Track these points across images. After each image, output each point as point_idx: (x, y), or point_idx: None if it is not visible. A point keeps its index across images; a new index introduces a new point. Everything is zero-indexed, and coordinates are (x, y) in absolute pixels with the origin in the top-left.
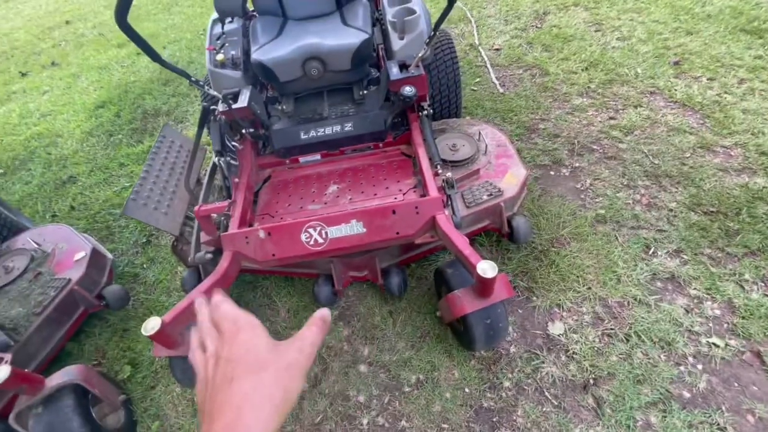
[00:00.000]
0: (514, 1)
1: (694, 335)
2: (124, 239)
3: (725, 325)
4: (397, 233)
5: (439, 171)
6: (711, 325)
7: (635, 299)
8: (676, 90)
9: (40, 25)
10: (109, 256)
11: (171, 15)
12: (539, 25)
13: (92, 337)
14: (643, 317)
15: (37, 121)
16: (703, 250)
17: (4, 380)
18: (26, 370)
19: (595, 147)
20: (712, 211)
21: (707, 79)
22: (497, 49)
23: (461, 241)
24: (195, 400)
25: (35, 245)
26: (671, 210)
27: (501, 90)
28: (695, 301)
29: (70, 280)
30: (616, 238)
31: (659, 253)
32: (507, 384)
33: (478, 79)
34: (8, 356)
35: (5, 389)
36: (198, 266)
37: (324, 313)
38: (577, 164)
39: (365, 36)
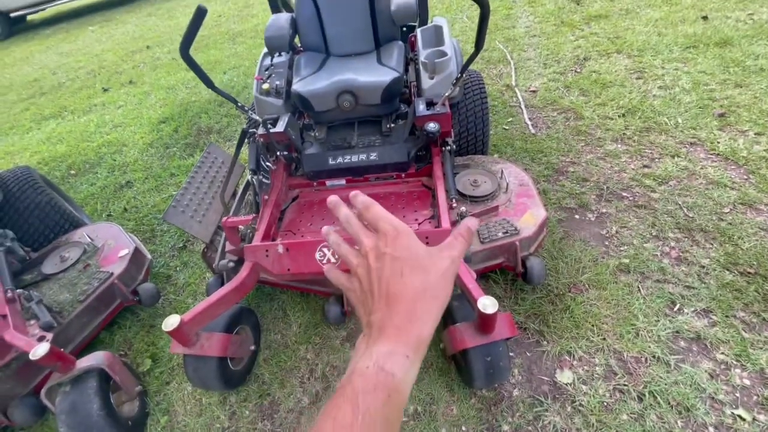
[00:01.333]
0: (555, 46)
1: (718, 404)
2: (164, 242)
3: (755, 398)
4: None
5: (454, 204)
6: (738, 395)
7: (654, 356)
8: (719, 142)
9: (125, 49)
10: (148, 256)
11: (235, 45)
12: (578, 70)
13: (123, 329)
14: (661, 377)
15: (109, 131)
16: (735, 313)
17: (42, 356)
18: (63, 350)
19: (625, 194)
20: (749, 272)
21: (755, 134)
22: (533, 91)
23: (466, 275)
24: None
25: (89, 239)
26: (703, 266)
27: (533, 131)
28: (722, 366)
29: (112, 274)
30: (639, 289)
31: (685, 310)
32: (506, 428)
33: (511, 119)
34: (50, 336)
35: (42, 364)
36: (222, 273)
37: (470, 223)
38: (604, 210)
39: (396, 75)
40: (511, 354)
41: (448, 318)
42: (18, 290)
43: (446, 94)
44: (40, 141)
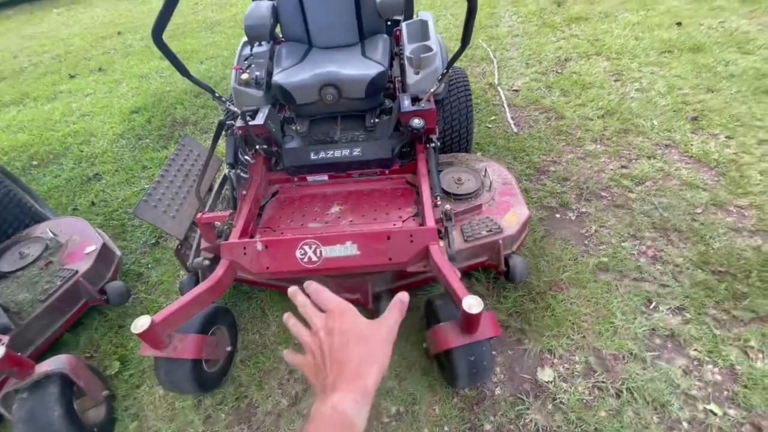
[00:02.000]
0: (538, 46)
1: (691, 399)
2: (135, 238)
3: (725, 393)
4: (390, 259)
5: (438, 202)
6: (710, 390)
7: (631, 354)
8: (692, 145)
9: (94, 34)
10: (118, 252)
11: (213, 34)
12: (560, 71)
13: (89, 330)
14: (637, 373)
15: (76, 120)
16: (707, 311)
17: None
18: (21, 354)
19: (604, 194)
20: (720, 271)
21: (725, 137)
22: (516, 90)
23: (451, 274)
24: (300, 371)
25: (51, 235)
26: (677, 265)
27: (515, 129)
28: (695, 363)
29: (77, 271)
30: (617, 288)
31: (661, 308)
32: (488, 427)
33: (493, 117)
34: (6, 338)
35: None
36: (197, 272)
37: (402, 296)
38: (584, 209)
39: (381, 69)
40: (493, 353)
41: (431, 317)
42: None
43: (431, 90)
44: None
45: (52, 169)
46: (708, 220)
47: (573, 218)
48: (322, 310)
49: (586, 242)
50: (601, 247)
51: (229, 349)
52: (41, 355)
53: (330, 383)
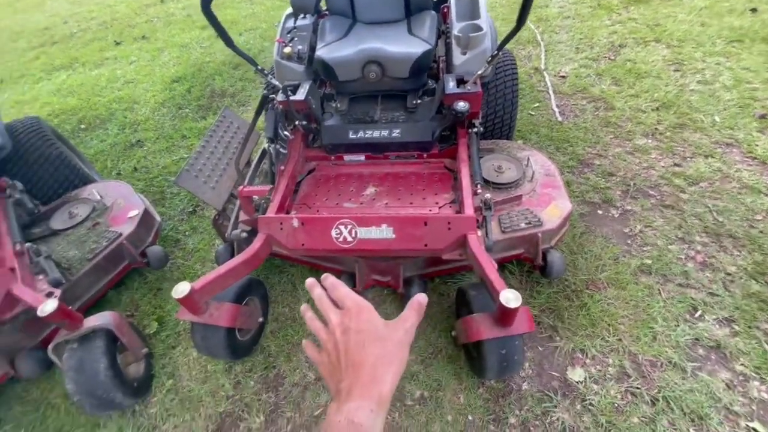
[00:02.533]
0: (590, 30)
1: (733, 415)
2: (174, 205)
3: None
4: (426, 245)
5: (479, 190)
6: (755, 408)
7: (670, 362)
8: (757, 145)
9: (138, 1)
10: (158, 218)
11: (252, 5)
12: (612, 57)
13: (130, 290)
14: (675, 383)
15: (121, 86)
16: (759, 324)
17: (50, 312)
18: (71, 308)
19: (652, 192)
20: None
21: None
22: (563, 77)
23: (489, 266)
24: (316, 365)
25: (98, 197)
26: (729, 274)
27: (560, 118)
28: (740, 378)
29: (121, 234)
30: (660, 292)
31: (707, 317)
32: (512, 420)
33: (537, 104)
34: (58, 292)
35: (50, 320)
36: (232, 242)
37: (421, 298)
38: (628, 207)
39: (427, 47)
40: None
41: (464, 307)
42: (27, 244)
43: (479, 72)
44: (50, 92)
45: (98, 133)
46: None
47: (616, 216)
48: (339, 306)
49: (629, 242)
50: (645, 249)
51: (260, 320)
52: (87, 311)
53: (345, 388)
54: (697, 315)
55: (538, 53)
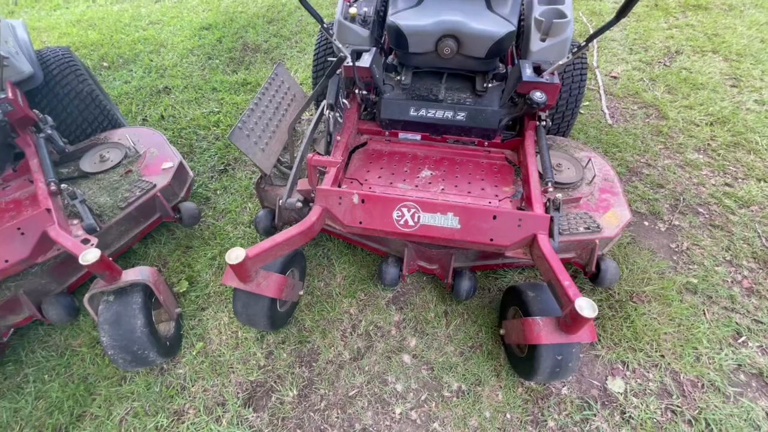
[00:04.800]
0: (645, 31)
1: None
2: (203, 161)
3: None
4: (491, 240)
5: (550, 189)
6: None
7: (712, 384)
8: None
9: None
10: (191, 173)
11: None
12: (668, 63)
13: (158, 245)
14: (717, 406)
15: (145, 26)
16: None
17: (93, 262)
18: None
19: (701, 210)
20: None
21: None
22: (614, 77)
23: (561, 269)
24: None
25: (131, 143)
26: None
27: (609, 121)
28: None
29: (155, 185)
30: (704, 313)
31: (750, 344)
32: (551, 424)
33: (587, 103)
34: (95, 240)
35: (90, 270)
36: (273, 209)
37: None
38: (676, 222)
39: (511, 28)
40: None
41: (516, 306)
42: (62, 185)
43: (560, 62)
44: (69, 22)
45: (122, 73)
46: None
47: (663, 230)
48: None
49: (675, 258)
50: (691, 267)
51: (301, 293)
52: (115, 261)
53: None
54: (740, 341)
55: (590, 50)
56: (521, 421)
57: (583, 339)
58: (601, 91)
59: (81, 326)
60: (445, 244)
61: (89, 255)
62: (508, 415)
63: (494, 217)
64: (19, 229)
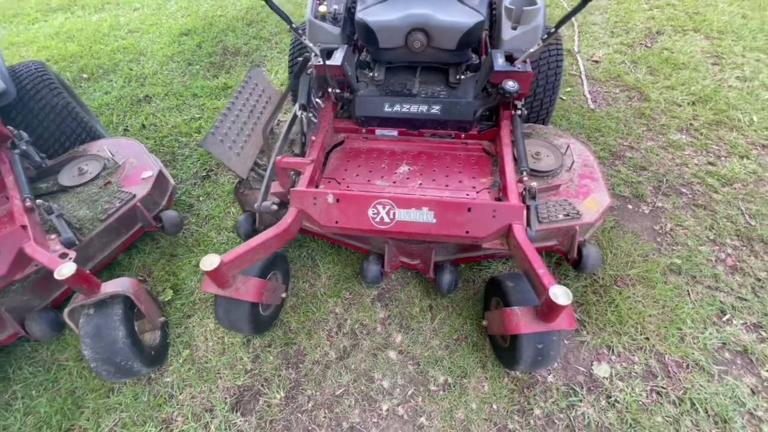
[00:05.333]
0: (626, 13)
1: (756, 420)
2: (186, 168)
3: None
4: (467, 232)
5: (525, 178)
6: None
7: (697, 364)
8: None
9: None
10: (172, 181)
11: None
12: (649, 45)
13: (142, 254)
14: (701, 385)
15: (125, 35)
16: None
17: (69, 276)
18: (89, 272)
19: (684, 190)
20: None
21: None
22: (596, 61)
23: (536, 258)
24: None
25: (110, 154)
26: (759, 279)
27: (592, 106)
28: (765, 383)
29: (134, 195)
30: (689, 293)
31: (735, 322)
32: (537, 412)
33: (569, 89)
34: (73, 254)
35: (67, 284)
36: (253, 213)
37: None
38: (660, 204)
39: (480, 18)
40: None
41: (497, 297)
42: (37, 200)
43: (531, 50)
44: (48, 35)
45: (101, 84)
46: None
47: (647, 212)
48: None
49: (659, 239)
50: (675, 248)
51: (283, 295)
52: (98, 274)
53: None
54: (725, 319)
55: (571, 34)
56: (507, 411)
57: (562, 326)
58: (583, 76)
59: (67, 340)
60: (422, 239)
61: (65, 269)
62: (494, 406)
63: (468, 210)
64: None
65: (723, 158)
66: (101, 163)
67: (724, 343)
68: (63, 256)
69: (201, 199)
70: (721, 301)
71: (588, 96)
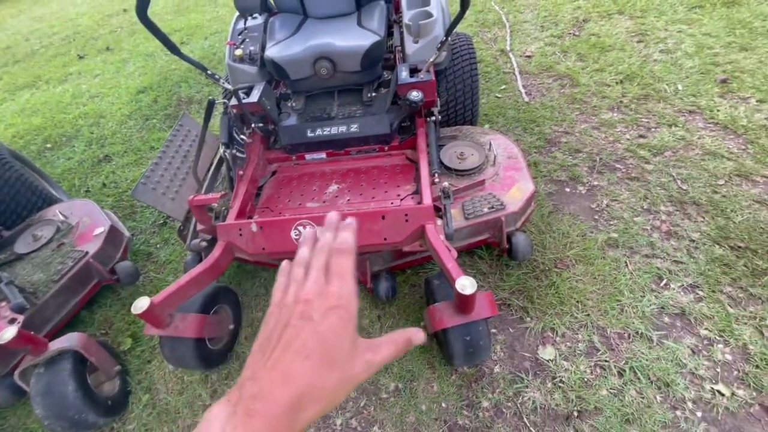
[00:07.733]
0: (554, 7)
1: (698, 379)
2: (144, 219)
3: (735, 373)
4: (385, 239)
5: (436, 179)
6: (719, 370)
7: (637, 333)
8: (718, 110)
9: (101, 12)
10: (126, 233)
11: (217, 7)
12: (577, 33)
13: (103, 308)
14: (642, 353)
15: (86, 101)
16: (722, 288)
17: (10, 339)
18: (41, 332)
19: (618, 166)
20: (739, 247)
21: (757, 101)
22: (528, 56)
23: (445, 254)
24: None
25: (62, 217)
26: (693, 241)
27: (526, 99)
28: (705, 342)
29: (87, 252)
30: (626, 264)
31: (672, 286)
32: (485, 404)
33: (504, 87)
34: (21, 318)
35: (11, 348)
36: (200, 252)
37: (418, 337)
38: (595, 183)
39: (377, 38)
40: (493, 331)
41: (430, 297)
42: None
43: (431, 60)
44: (14, 113)
45: (65, 151)
46: (731, 192)
47: (583, 192)
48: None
49: (596, 217)
50: (611, 223)
51: (231, 327)
52: (59, 332)
53: (251, 394)
54: (662, 284)
55: (503, 35)
56: (457, 407)
57: (483, 314)
58: (516, 73)
59: (31, 406)
60: None
61: (6, 334)
62: (443, 404)
63: (383, 217)
64: None
65: (653, 129)
66: (54, 226)
67: (663, 308)
68: (12, 321)
69: (159, 246)
70: (657, 267)
71: (522, 90)
